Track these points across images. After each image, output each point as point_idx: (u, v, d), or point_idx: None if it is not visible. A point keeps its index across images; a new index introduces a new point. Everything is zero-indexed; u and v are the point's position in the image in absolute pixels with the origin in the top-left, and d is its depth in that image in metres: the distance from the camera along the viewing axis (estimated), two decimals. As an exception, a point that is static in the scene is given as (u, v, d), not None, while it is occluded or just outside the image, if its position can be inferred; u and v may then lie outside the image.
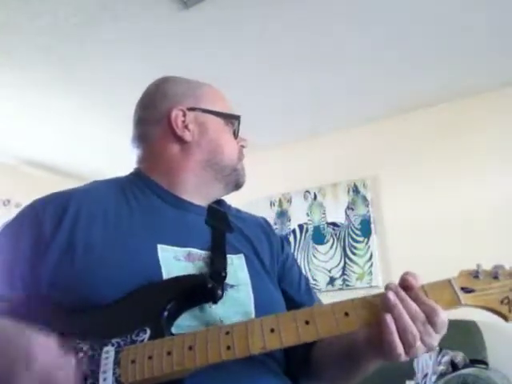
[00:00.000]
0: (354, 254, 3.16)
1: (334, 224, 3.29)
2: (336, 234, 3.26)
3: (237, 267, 0.86)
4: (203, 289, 0.75)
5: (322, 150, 3.42)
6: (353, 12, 2.21)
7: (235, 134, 0.98)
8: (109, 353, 0.67)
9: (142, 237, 0.81)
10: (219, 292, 0.75)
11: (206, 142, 0.94)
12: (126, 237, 0.80)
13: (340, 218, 3.28)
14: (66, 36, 2.27)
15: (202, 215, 0.92)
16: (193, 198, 0.92)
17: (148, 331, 0.69)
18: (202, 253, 0.84)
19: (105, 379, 0.65)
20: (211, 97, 0.98)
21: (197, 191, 0.93)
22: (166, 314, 0.71)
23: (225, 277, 0.80)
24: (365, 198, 3.22)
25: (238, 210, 1.05)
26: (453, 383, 2.04)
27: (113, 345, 0.68)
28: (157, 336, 0.69)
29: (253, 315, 0.81)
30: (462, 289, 0.69)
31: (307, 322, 0.68)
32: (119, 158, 3.59)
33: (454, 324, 2.87)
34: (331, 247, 3.24)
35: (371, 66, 2.66)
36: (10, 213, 3.43)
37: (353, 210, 3.25)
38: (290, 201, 3.45)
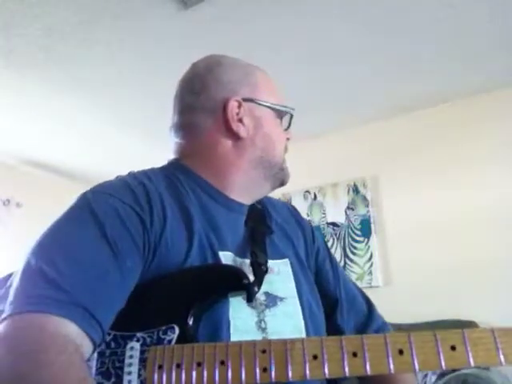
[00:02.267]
0: (354, 253, 3.16)
1: (333, 224, 3.29)
2: (336, 234, 3.26)
3: (284, 277, 0.80)
4: (237, 283, 0.69)
5: (321, 150, 3.42)
6: (353, 11, 2.21)
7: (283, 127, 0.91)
8: (133, 350, 0.62)
9: (203, 241, 0.74)
10: (255, 289, 0.70)
11: (259, 138, 0.85)
12: (190, 238, 0.73)
13: (340, 218, 3.28)
14: (66, 36, 2.27)
15: (245, 214, 0.86)
16: (240, 198, 0.85)
17: (176, 330, 0.64)
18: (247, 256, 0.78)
19: (129, 381, 0.60)
20: (265, 86, 0.89)
21: (246, 191, 0.85)
22: (195, 310, 0.65)
23: (266, 271, 0.75)
24: (365, 198, 3.21)
25: (270, 200, 0.97)
26: (453, 383, 2.03)
27: (138, 340, 0.63)
28: (186, 336, 0.63)
29: (303, 327, 0.77)
30: None
31: (355, 354, 0.59)
32: (120, 158, 3.60)
33: (453, 324, 2.87)
34: (331, 247, 3.24)
35: (371, 66, 2.66)
36: (10, 213, 3.42)
37: (353, 209, 3.25)
38: (289, 201, 3.45)
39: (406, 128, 3.17)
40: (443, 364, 0.58)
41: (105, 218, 0.67)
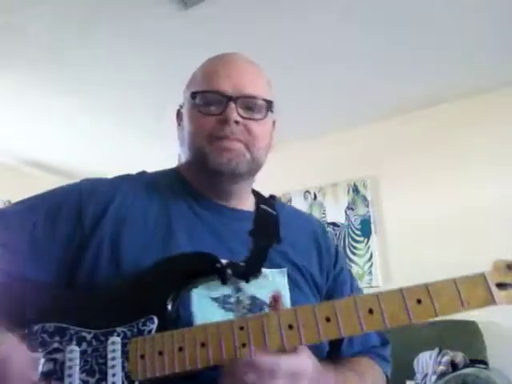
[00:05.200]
0: (354, 253, 3.16)
1: (334, 224, 3.29)
2: (336, 234, 3.25)
3: (278, 285, 0.78)
4: (212, 269, 0.70)
5: (322, 150, 3.42)
6: (353, 12, 2.21)
7: (205, 110, 0.80)
8: (115, 344, 0.63)
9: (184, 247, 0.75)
10: (229, 271, 0.70)
11: (184, 135, 0.84)
12: (169, 245, 0.74)
13: (340, 218, 3.28)
14: (66, 36, 2.27)
15: (243, 221, 0.84)
16: (223, 202, 0.84)
17: (156, 320, 0.65)
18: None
19: (114, 375, 0.61)
20: (195, 77, 0.87)
21: (215, 193, 0.84)
22: (172, 299, 0.67)
23: (254, 273, 0.74)
24: (365, 198, 3.21)
25: (292, 212, 0.95)
26: (453, 383, 2.03)
27: (118, 334, 0.64)
28: (165, 325, 0.65)
29: None
30: (498, 285, 0.62)
31: (328, 319, 0.61)
32: (120, 158, 3.60)
33: (454, 324, 2.87)
34: (331, 247, 3.24)
35: (371, 66, 2.66)
36: (10, 213, 3.42)
37: (353, 209, 3.25)
38: (290, 201, 3.45)
39: (406, 128, 3.17)
40: (412, 317, 0.61)
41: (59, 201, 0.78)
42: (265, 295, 0.75)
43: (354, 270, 3.11)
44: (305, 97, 2.96)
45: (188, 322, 0.68)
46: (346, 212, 3.27)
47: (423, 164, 3.05)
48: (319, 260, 0.88)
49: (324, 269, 0.88)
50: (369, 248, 3.11)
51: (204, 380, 0.63)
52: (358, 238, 3.17)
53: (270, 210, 0.88)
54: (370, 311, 0.61)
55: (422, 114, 3.13)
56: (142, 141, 3.33)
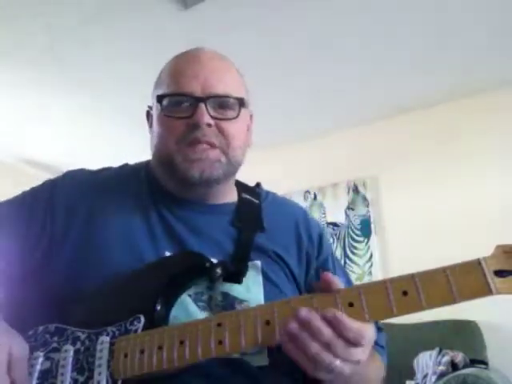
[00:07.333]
0: (353, 254, 3.16)
1: (333, 224, 3.29)
2: (336, 234, 3.25)
3: (249, 278, 0.75)
4: (201, 268, 0.70)
5: (322, 150, 3.42)
6: (352, 12, 2.21)
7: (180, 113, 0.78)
8: (103, 344, 0.64)
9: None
10: (218, 271, 0.70)
11: (154, 140, 0.83)
12: (154, 248, 0.76)
13: (340, 218, 3.28)
14: (66, 36, 2.27)
15: (225, 214, 0.82)
16: (201, 201, 0.83)
17: (142, 319, 0.65)
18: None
19: (99, 373, 0.62)
20: (162, 78, 0.84)
21: (188, 194, 0.82)
22: (160, 299, 0.67)
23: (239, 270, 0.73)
24: (365, 198, 3.21)
25: (275, 199, 0.91)
26: (453, 383, 2.03)
27: (108, 334, 0.65)
28: (152, 324, 0.65)
29: None
30: (496, 273, 0.54)
31: None
32: (120, 159, 3.59)
33: (454, 324, 2.86)
34: (331, 247, 3.24)
35: (371, 66, 2.66)
36: (10, 213, 3.42)
37: (353, 210, 3.25)
38: (289, 201, 3.45)
39: (406, 128, 3.17)
40: (395, 310, 0.57)
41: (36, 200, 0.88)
42: (237, 291, 0.74)
43: (354, 270, 3.12)
44: (305, 97, 2.96)
45: (164, 316, 0.69)
46: (345, 212, 3.27)
47: (423, 164, 3.05)
48: (298, 252, 0.84)
49: (303, 260, 0.84)
50: (369, 248, 3.11)
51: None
52: (357, 238, 3.17)
53: (252, 198, 0.87)
54: (350, 305, 0.58)
55: (422, 114, 3.13)
56: (142, 141, 3.32)
